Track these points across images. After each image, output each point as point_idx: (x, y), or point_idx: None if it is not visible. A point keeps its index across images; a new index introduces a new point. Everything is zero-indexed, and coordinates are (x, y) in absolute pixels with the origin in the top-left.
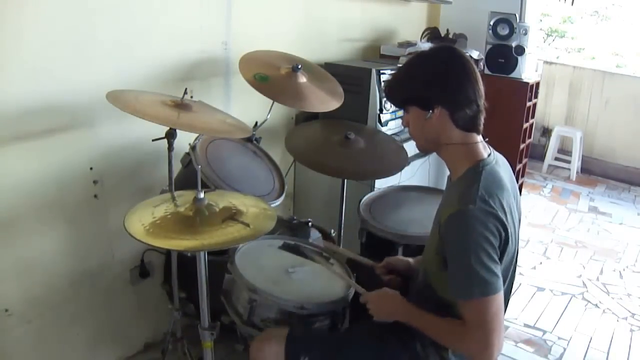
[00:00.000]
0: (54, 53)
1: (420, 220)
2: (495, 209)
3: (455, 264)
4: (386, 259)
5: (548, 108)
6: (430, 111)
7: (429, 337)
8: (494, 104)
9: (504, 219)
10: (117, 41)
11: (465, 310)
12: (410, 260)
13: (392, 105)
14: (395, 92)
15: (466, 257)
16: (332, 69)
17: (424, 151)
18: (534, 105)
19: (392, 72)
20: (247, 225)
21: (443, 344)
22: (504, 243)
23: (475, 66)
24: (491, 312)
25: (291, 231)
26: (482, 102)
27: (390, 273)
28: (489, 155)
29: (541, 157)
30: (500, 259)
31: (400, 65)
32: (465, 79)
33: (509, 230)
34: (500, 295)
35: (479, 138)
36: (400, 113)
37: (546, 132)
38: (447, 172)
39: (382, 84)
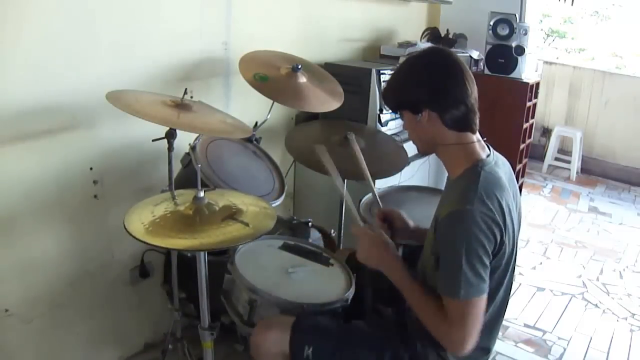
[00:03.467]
0: (54, 53)
1: (420, 220)
2: (493, 210)
3: (446, 262)
4: (383, 210)
5: (548, 108)
6: (420, 114)
7: (412, 308)
8: (494, 104)
9: (501, 221)
10: (117, 41)
11: (448, 307)
12: (411, 223)
13: (390, 110)
14: (388, 99)
15: (458, 257)
16: (332, 69)
17: (424, 154)
18: (534, 105)
19: (391, 74)
20: (247, 224)
21: (422, 320)
22: (499, 245)
23: (464, 65)
24: (472, 314)
25: (291, 231)
26: (471, 101)
27: (384, 222)
28: (488, 155)
29: (541, 157)
30: (494, 258)
31: (395, 68)
32: (449, 80)
33: (506, 232)
34: (484, 298)
35: (476, 137)
36: None
37: (546, 132)
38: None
39: (382, 84)
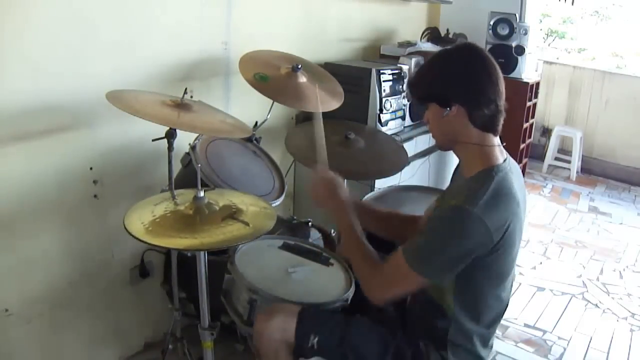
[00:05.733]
0: (54, 53)
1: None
2: (493, 221)
3: (426, 235)
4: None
5: (548, 108)
6: (448, 109)
7: (347, 252)
8: None
9: (493, 234)
10: (117, 41)
11: (395, 261)
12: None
13: (415, 101)
14: (416, 88)
15: (438, 241)
16: (332, 69)
17: (442, 148)
18: (534, 105)
19: (422, 64)
20: (247, 224)
21: (352, 263)
22: (485, 254)
23: (497, 66)
24: (408, 282)
25: (291, 231)
26: (501, 102)
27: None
28: (504, 160)
29: (541, 157)
30: (485, 258)
31: (428, 60)
32: (485, 78)
33: (500, 240)
34: (426, 280)
35: (497, 141)
36: (401, 113)
37: (546, 132)
38: (448, 172)
39: (383, 84)
